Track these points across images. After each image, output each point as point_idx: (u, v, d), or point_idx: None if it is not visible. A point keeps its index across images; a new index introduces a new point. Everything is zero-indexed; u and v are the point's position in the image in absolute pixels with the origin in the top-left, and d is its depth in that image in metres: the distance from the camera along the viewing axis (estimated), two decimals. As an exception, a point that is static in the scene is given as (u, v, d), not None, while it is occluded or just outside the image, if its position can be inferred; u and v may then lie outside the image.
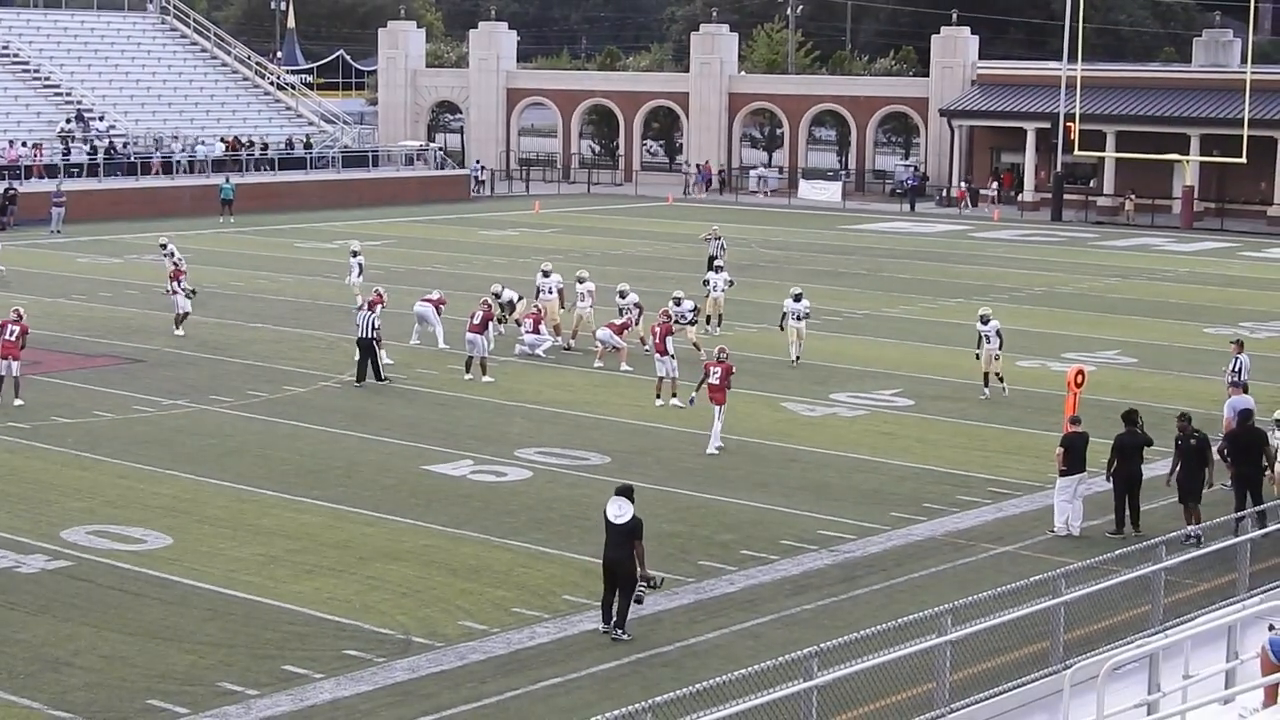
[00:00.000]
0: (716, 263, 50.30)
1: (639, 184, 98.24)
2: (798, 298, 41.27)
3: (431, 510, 27.95)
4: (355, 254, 49.94)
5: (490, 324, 40.06)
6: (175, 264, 46.31)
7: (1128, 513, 27.30)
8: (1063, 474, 27.36)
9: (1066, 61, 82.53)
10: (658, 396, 36.93)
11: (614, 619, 21.84)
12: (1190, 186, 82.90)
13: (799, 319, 41.09)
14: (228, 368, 40.48)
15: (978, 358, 38.21)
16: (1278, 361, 42.88)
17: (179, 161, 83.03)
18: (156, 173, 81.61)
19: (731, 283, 47.39)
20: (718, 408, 32.73)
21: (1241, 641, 17.31)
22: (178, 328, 44.65)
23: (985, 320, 37.87)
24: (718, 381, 32.61)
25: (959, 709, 16.46)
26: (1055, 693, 16.08)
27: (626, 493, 22.03)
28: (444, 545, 25.99)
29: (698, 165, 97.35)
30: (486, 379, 38.78)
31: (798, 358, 40.93)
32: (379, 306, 39.51)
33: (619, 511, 21.72)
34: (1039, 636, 18.40)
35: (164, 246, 52.67)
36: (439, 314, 43.28)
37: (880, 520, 27.95)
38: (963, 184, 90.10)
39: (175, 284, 44.99)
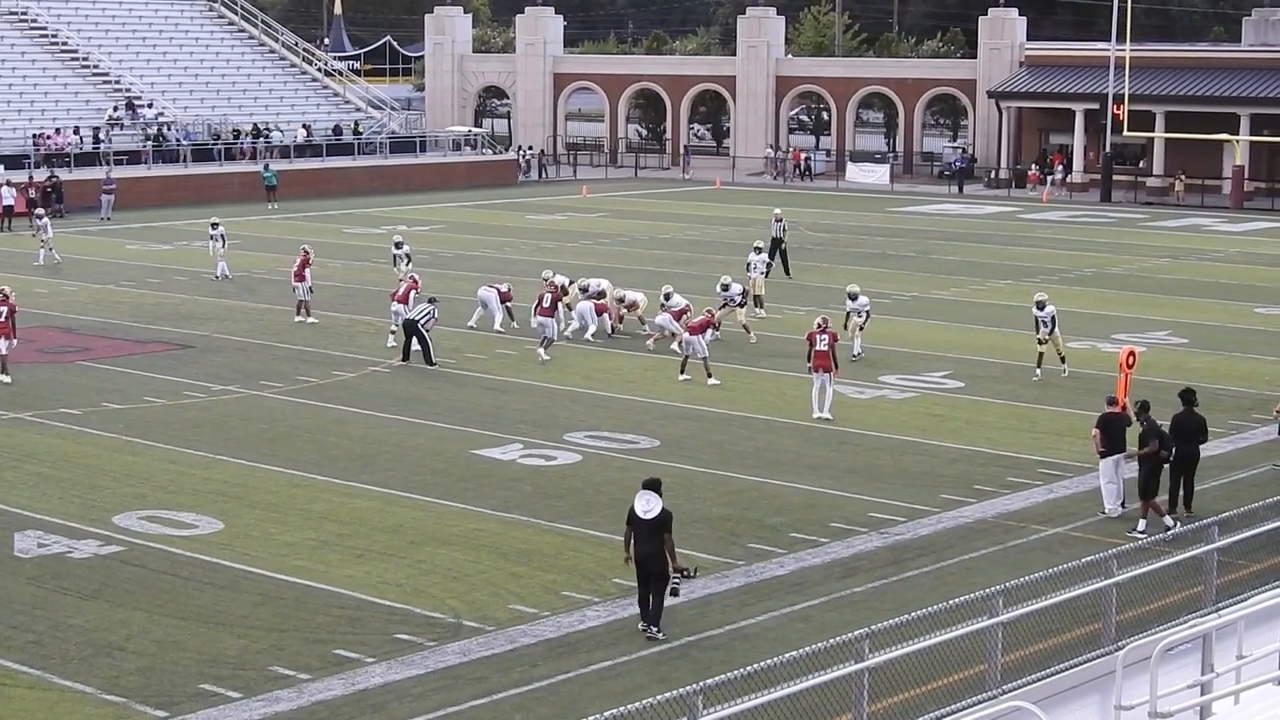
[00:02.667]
0: (759, 244, 50.08)
1: (686, 168, 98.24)
2: (854, 296, 40.06)
3: (481, 494, 27.97)
4: (399, 245, 49.78)
5: (559, 306, 40.35)
6: (305, 251, 45.61)
7: (1181, 493, 27.10)
8: (1101, 455, 27.18)
9: (1115, 42, 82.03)
10: (681, 372, 37.25)
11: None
12: (1240, 166, 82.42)
13: (860, 316, 39.88)
14: (277, 353, 40.61)
15: (1040, 343, 37.97)
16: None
17: (221, 149, 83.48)
18: (212, 160, 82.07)
19: (770, 265, 47.16)
20: (827, 375, 33.31)
21: (1296, 622, 17.21)
22: (298, 315, 44.64)
23: (1041, 306, 37.57)
24: (825, 348, 33.09)
25: (1011, 690, 16.39)
26: (1108, 673, 15.99)
27: (654, 487, 21.57)
28: (494, 529, 26.01)
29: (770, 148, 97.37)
30: (545, 358, 38.94)
31: (858, 353, 39.43)
32: (414, 292, 40.77)
33: (647, 507, 21.29)
34: (1091, 618, 18.32)
35: (215, 226, 53.03)
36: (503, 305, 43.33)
37: (930, 502, 27.87)
38: (1033, 167, 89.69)
39: (302, 272, 44.84)
